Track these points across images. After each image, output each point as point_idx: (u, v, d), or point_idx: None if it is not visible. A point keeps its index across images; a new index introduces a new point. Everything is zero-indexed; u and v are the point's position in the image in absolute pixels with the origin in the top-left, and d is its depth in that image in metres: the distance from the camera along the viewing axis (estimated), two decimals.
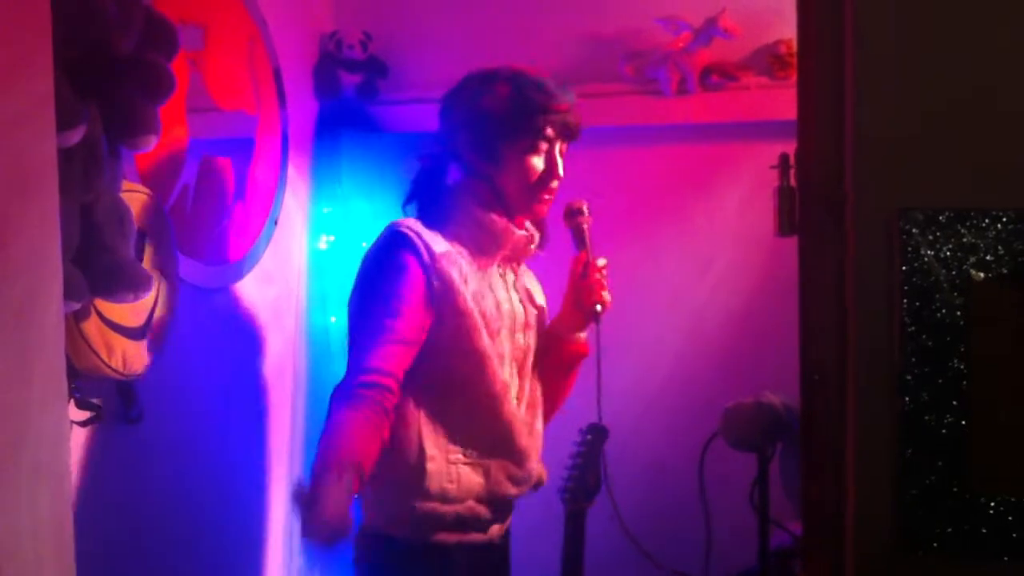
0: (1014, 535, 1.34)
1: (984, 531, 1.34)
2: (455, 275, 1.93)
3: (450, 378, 1.95)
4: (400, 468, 1.92)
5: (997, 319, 1.35)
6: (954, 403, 1.34)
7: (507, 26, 2.90)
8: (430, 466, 1.91)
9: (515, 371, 2.04)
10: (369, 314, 1.93)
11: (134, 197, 1.89)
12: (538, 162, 2.00)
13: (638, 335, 2.81)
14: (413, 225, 1.96)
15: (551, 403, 2.15)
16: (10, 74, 1.22)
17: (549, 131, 1.99)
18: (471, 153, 2.01)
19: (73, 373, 1.70)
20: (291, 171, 2.70)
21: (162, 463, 2.14)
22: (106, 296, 1.72)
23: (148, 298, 1.84)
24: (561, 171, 2.02)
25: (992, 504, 1.34)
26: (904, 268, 1.35)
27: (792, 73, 2.46)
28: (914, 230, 1.35)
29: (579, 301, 2.08)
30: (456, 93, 2.04)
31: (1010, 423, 1.35)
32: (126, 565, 2.02)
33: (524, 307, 2.07)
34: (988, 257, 1.34)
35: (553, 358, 2.13)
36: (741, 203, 2.80)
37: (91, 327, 1.74)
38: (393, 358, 1.88)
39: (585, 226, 2.11)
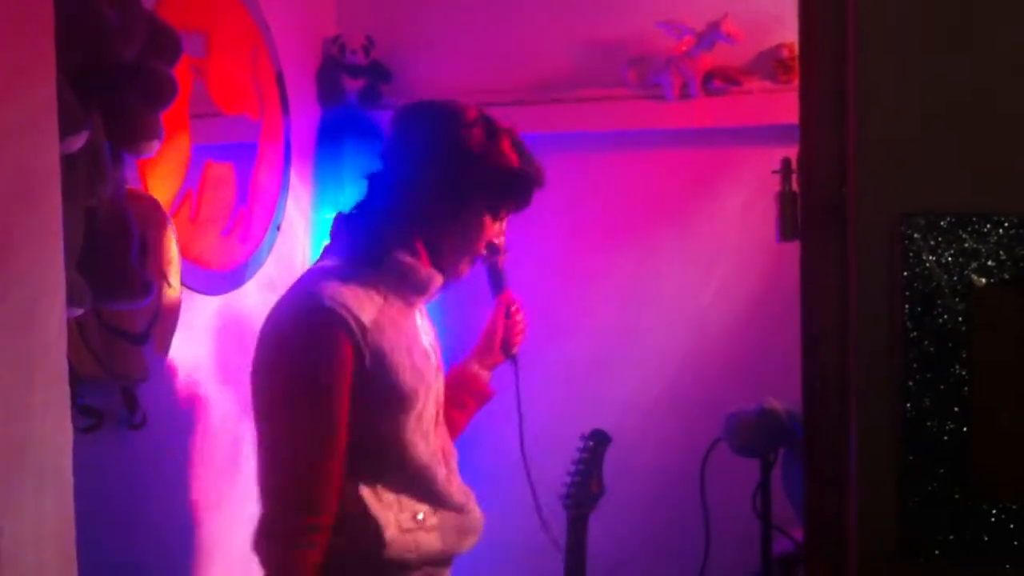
0: (1016, 542, 1.33)
1: (986, 538, 1.34)
2: (386, 346, 1.76)
3: (381, 447, 1.81)
4: (353, 548, 1.78)
5: (999, 325, 1.34)
6: (956, 409, 1.34)
7: (510, 31, 2.91)
8: (387, 535, 1.78)
9: (438, 420, 1.94)
10: (302, 419, 1.72)
11: (137, 203, 1.89)
12: (494, 228, 1.92)
13: (640, 340, 2.81)
14: (337, 295, 1.73)
15: (452, 437, 2.06)
16: (13, 81, 1.23)
17: (527, 202, 1.93)
18: (429, 196, 1.84)
19: (75, 379, 1.69)
20: (294, 176, 2.70)
21: (164, 469, 2.14)
22: (109, 302, 1.72)
23: (150, 304, 1.84)
24: (504, 240, 1.97)
25: (994, 511, 1.34)
26: (905, 273, 1.35)
27: (795, 77, 2.45)
28: (916, 235, 1.35)
29: (503, 343, 2.07)
30: (430, 127, 1.87)
31: (1012, 429, 1.34)
32: (128, 571, 2.02)
33: (434, 349, 1.94)
34: (990, 262, 1.34)
35: (462, 401, 2.07)
36: (743, 208, 2.80)
37: (93, 333, 1.75)
38: (334, 480, 1.72)
39: (501, 265, 2.07)
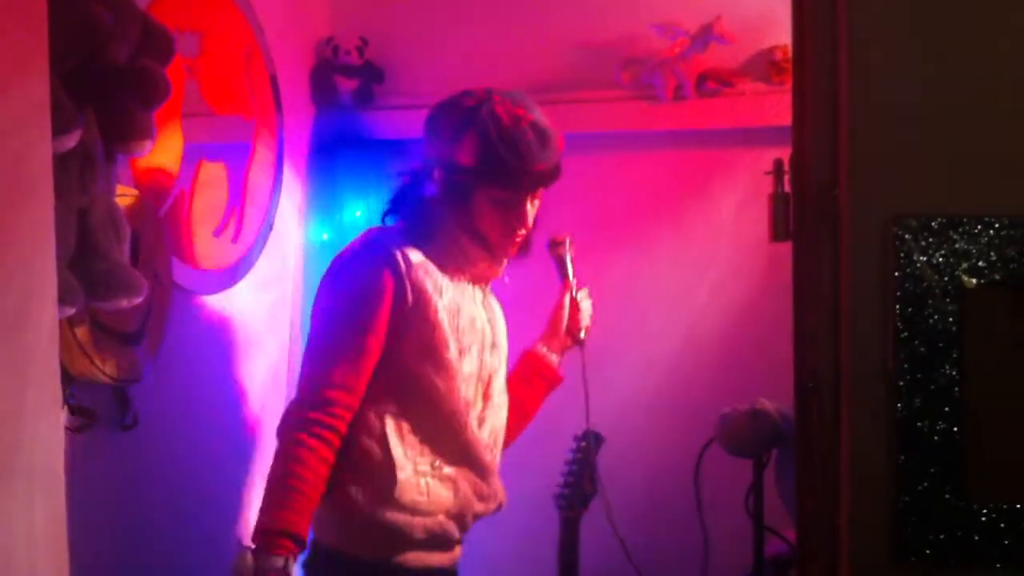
0: (1007, 542, 1.34)
1: (977, 538, 1.34)
2: (429, 285, 1.90)
3: (415, 387, 1.90)
4: (365, 479, 1.87)
5: (989, 325, 1.35)
6: (947, 409, 1.35)
7: (504, 32, 2.91)
8: (401, 476, 1.86)
9: (480, 391, 2.00)
10: (338, 323, 1.89)
11: (129, 202, 1.89)
12: (507, 212, 1.96)
13: (633, 341, 2.81)
14: (387, 238, 1.94)
15: (517, 427, 2.13)
16: (6, 80, 1.22)
17: (519, 187, 1.94)
18: (444, 188, 1.97)
19: (67, 379, 1.69)
20: (287, 176, 2.70)
21: (156, 469, 2.14)
22: (101, 301, 1.72)
23: (142, 304, 1.84)
24: (530, 221, 2.00)
25: (985, 511, 1.34)
26: (897, 274, 1.35)
27: (788, 79, 2.47)
28: (907, 236, 1.35)
29: (568, 328, 2.16)
30: (433, 122, 1.98)
31: (1003, 429, 1.35)
32: (120, 572, 2.02)
33: (492, 326, 2.04)
34: (980, 263, 1.35)
35: (532, 383, 2.15)
36: (737, 209, 2.80)
37: (85, 332, 1.74)
38: (359, 373, 1.86)
39: (568, 257, 2.17)
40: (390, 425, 1.88)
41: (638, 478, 2.70)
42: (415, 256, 1.91)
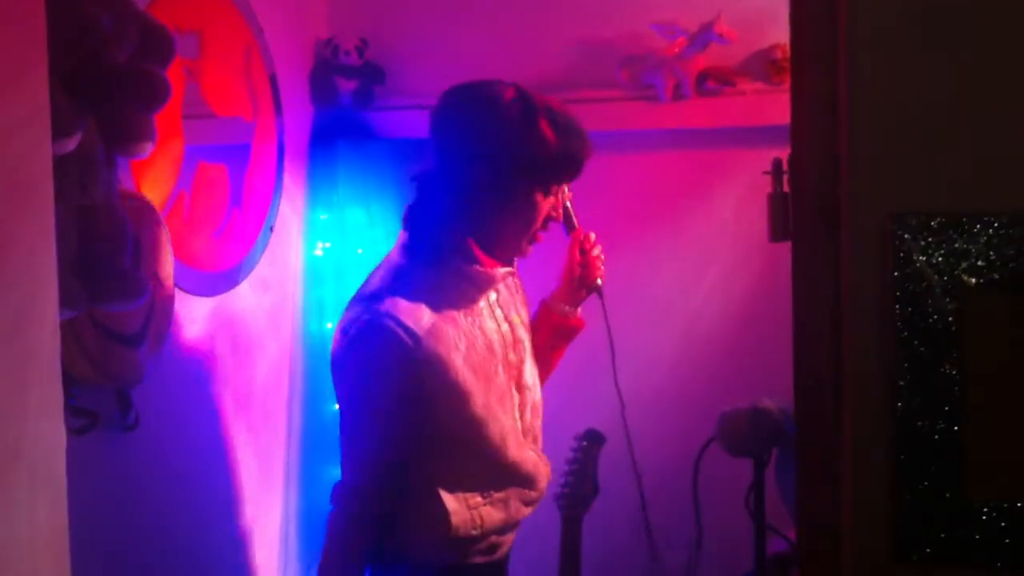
0: (1008, 540, 1.34)
1: (978, 536, 1.34)
2: (442, 351, 1.85)
3: (453, 441, 1.94)
4: (422, 531, 1.95)
5: (989, 324, 1.35)
6: (947, 408, 1.35)
7: (503, 32, 2.91)
8: (454, 520, 1.93)
9: (515, 388, 2.04)
10: (363, 425, 1.91)
11: (130, 204, 1.89)
12: (547, 204, 1.94)
13: (633, 340, 2.81)
14: (391, 309, 1.83)
15: (544, 376, 2.19)
16: (5, 83, 1.22)
17: (575, 175, 1.95)
18: (478, 188, 1.88)
19: (69, 381, 1.69)
20: (287, 177, 2.70)
21: (158, 471, 2.14)
22: (102, 304, 1.72)
23: (144, 306, 1.84)
24: (561, 211, 2.02)
25: (986, 509, 1.34)
26: (896, 273, 1.35)
27: (787, 78, 2.46)
28: (906, 235, 1.35)
29: (581, 278, 2.14)
30: (464, 117, 1.89)
31: (1003, 428, 1.35)
32: (122, 573, 2.02)
33: (510, 323, 2.05)
34: (980, 262, 1.35)
35: (550, 336, 2.18)
36: (737, 208, 2.80)
37: (87, 335, 1.75)
38: (391, 476, 1.90)
39: (569, 204, 2.12)
40: (438, 481, 1.92)
41: (638, 477, 2.70)
42: (422, 322, 1.84)
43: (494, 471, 1.97)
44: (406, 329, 1.82)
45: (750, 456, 2.16)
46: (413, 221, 1.95)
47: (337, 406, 1.98)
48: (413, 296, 1.86)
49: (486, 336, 1.96)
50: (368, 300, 1.89)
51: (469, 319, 1.94)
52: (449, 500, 1.92)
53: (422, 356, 1.83)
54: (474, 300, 1.96)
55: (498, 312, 2.03)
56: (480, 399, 1.91)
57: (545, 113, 1.86)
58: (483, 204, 1.90)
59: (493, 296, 2.02)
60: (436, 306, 1.88)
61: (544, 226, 1.96)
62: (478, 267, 1.92)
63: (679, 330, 2.85)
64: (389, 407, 1.86)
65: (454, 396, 1.88)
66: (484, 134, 1.87)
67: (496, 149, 1.86)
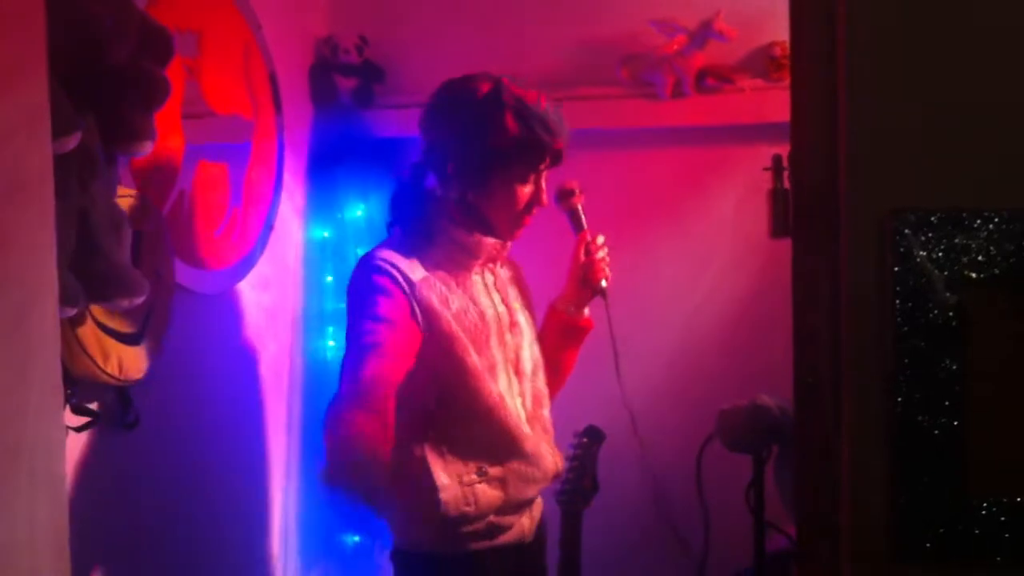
0: (1007, 535, 1.34)
1: (978, 532, 1.35)
2: (435, 300, 1.94)
3: (446, 399, 1.96)
4: (413, 499, 1.95)
5: (989, 320, 1.35)
6: (947, 404, 1.35)
7: (503, 30, 2.91)
8: (443, 496, 1.92)
9: (511, 371, 2.05)
10: (357, 332, 1.90)
11: (130, 203, 1.89)
12: (525, 191, 2.01)
13: (633, 338, 2.81)
14: (388, 256, 1.95)
15: (559, 380, 2.21)
16: (5, 82, 1.23)
17: (544, 164, 2.01)
18: (456, 176, 1.98)
19: (69, 379, 1.70)
20: (287, 176, 2.70)
21: (158, 468, 2.14)
22: (102, 302, 1.72)
23: (143, 304, 1.84)
24: (545, 198, 2.04)
25: (985, 505, 1.35)
26: (896, 269, 1.35)
27: (787, 75, 2.47)
28: (907, 231, 1.35)
29: (586, 279, 2.16)
30: (444, 111, 2.00)
31: (1003, 424, 1.35)
32: (122, 571, 2.02)
33: (508, 306, 2.08)
34: (980, 258, 1.35)
35: (558, 336, 2.19)
36: (736, 205, 2.80)
37: (87, 333, 1.75)
38: (385, 370, 1.85)
39: (579, 206, 2.17)
40: (429, 451, 1.94)
41: (638, 474, 2.70)
42: (415, 273, 1.94)
43: (489, 438, 1.97)
44: (403, 274, 1.93)
45: (749, 453, 2.16)
46: (400, 203, 2.04)
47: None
48: (407, 253, 1.97)
49: (478, 307, 2.00)
50: (366, 256, 1.99)
51: (461, 287, 2.00)
52: (440, 475, 1.93)
53: (416, 299, 1.92)
54: (466, 268, 2.01)
55: (495, 294, 2.07)
56: (471, 357, 1.95)
57: (514, 106, 1.94)
58: (462, 190, 1.99)
59: (490, 279, 2.07)
60: (428, 266, 1.97)
61: (528, 210, 2.02)
62: (467, 234, 1.99)
63: (679, 326, 2.85)
64: (387, 313, 1.89)
65: (446, 345, 1.93)
66: (454, 127, 1.97)
67: (464, 140, 1.96)
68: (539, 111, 1.96)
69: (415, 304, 1.92)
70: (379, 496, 1.85)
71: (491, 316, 2.02)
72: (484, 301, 2.03)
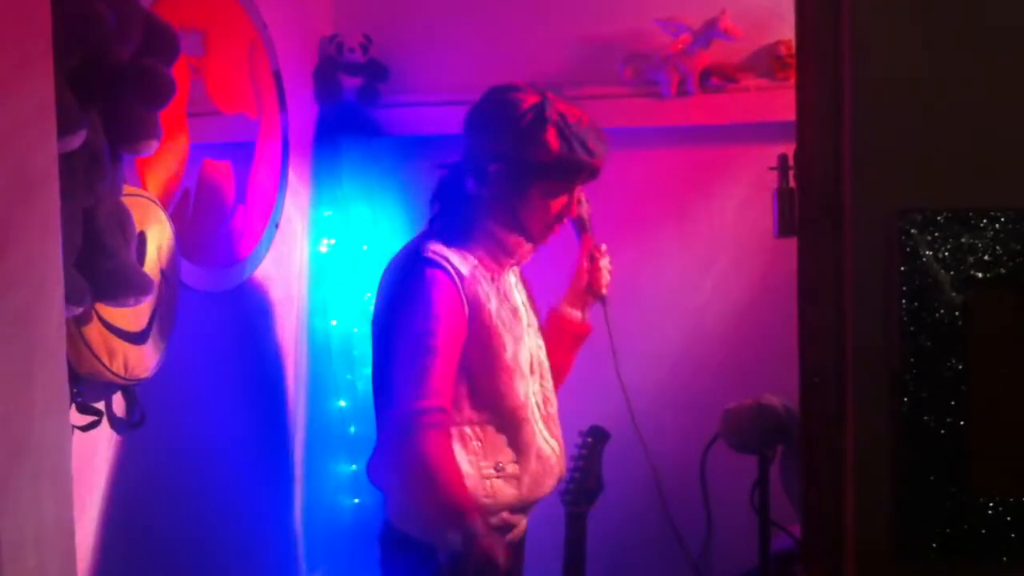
0: (1013, 535, 1.34)
1: (983, 531, 1.34)
2: (481, 295, 2.00)
3: (478, 393, 2.01)
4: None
5: (995, 319, 1.35)
6: (953, 403, 1.35)
7: (507, 29, 2.91)
8: (467, 483, 1.95)
9: (530, 371, 2.10)
10: (413, 336, 1.95)
11: (135, 201, 1.89)
12: (560, 202, 2.07)
13: (637, 337, 2.81)
14: (438, 249, 2.00)
15: (556, 383, 2.24)
16: (10, 80, 1.23)
17: (580, 181, 2.08)
18: (496, 181, 2.03)
19: (74, 378, 1.70)
20: (292, 175, 2.70)
21: (164, 467, 2.14)
22: (108, 301, 1.72)
23: (149, 302, 1.84)
24: (576, 209, 2.12)
25: (991, 504, 1.34)
26: (903, 269, 1.35)
27: (792, 74, 2.46)
28: (913, 231, 1.35)
29: (589, 285, 2.23)
30: (488, 118, 2.05)
31: (1009, 423, 1.35)
32: (128, 570, 2.03)
33: (526, 306, 2.15)
34: (986, 257, 1.34)
35: (560, 341, 2.24)
36: (741, 205, 2.80)
37: (93, 331, 1.75)
38: (444, 378, 1.94)
39: (585, 215, 2.22)
40: (455, 435, 1.98)
41: (643, 474, 2.70)
42: (464, 266, 2.00)
43: (509, 435, 2.02)
44: (454, 268, 1.99)
45: (754, 452, 2.16)
46: (442, 201, 2.10)
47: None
48: (453, 244, 2.03)
49: (511, 303, 2.08)
50: (413, 250, 2.03)
51: (496, 283, 2.06)
52: (462, 460, 1.97)
53: (466, 292, 1.98)
54: (502, 265, 2.08)
55: (521, 295, 2.14)
56: (509, 354, 2.02)
57: (557, 123, 2.00)
58: (499, 197, 2.05)
59: (513, 279, 2.14)
60: (470, 261, 2.03)
61: (559, 219, 2.09)
62: (507, 232, 2.05)
63: (683, 326, 2.85)
64: (440, 315, 1.94)
65: (488, 341, 1.99)
66: (497, 136, 2.03)
67: (506, 150, 2.01)
68: (580, 130, 2.01)
69: (464, 297, 1.98)
70: (460, 523, 1.85)
71: (521, 314, 2.09)
72: (516, 297, 2.10)
